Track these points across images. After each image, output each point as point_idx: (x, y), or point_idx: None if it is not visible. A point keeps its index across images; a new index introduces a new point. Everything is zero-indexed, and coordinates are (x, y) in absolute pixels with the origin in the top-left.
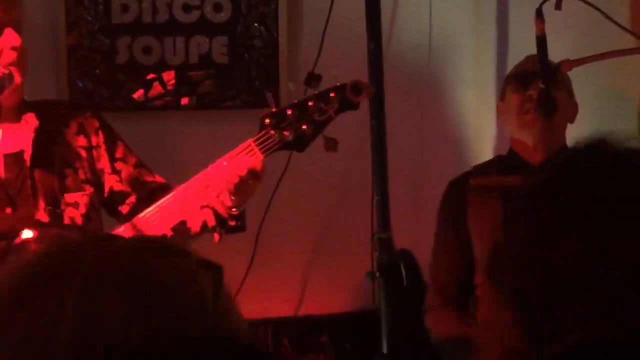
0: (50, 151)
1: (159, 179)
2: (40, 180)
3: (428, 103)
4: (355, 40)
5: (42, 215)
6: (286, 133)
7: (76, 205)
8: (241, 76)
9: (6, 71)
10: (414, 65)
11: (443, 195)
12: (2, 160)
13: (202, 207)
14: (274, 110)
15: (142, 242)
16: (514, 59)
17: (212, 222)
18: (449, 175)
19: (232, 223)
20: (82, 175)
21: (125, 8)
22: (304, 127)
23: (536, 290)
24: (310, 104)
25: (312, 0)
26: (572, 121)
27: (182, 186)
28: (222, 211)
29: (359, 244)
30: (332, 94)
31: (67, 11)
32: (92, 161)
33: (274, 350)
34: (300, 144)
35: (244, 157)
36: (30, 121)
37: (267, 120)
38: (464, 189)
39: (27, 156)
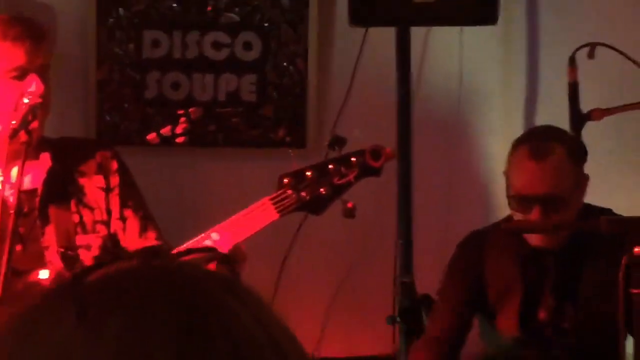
0: (66, 191)
1: (153, 240)
2: (55, 220)
3: (456, 149)
4: (385, 82)
5: (54, 256)
6: (303, 194)
7: (88, 247)
8: (269, 114)
9: (40, 100)
10: (443, 111)
11: (456, 251)
12: (16, 198)
13: None
14: (293, 170)
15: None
16: (542, 109)
17: None
18: (474, 223)
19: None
20: (97, 216)
21: (156, 43)
22: (322, 190)
23: None
24: (330, 167)
25: (343, 40)
26: (582, 200)
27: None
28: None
29: (381, 287)
30: (353, 159)
31: (99, 45)
32: (107, 202)
33: None
34: (316, 206)
35: (242, 226)
36: (45, 161)
37: (286, 180)
38: (483, 239)
39: (39, 193)
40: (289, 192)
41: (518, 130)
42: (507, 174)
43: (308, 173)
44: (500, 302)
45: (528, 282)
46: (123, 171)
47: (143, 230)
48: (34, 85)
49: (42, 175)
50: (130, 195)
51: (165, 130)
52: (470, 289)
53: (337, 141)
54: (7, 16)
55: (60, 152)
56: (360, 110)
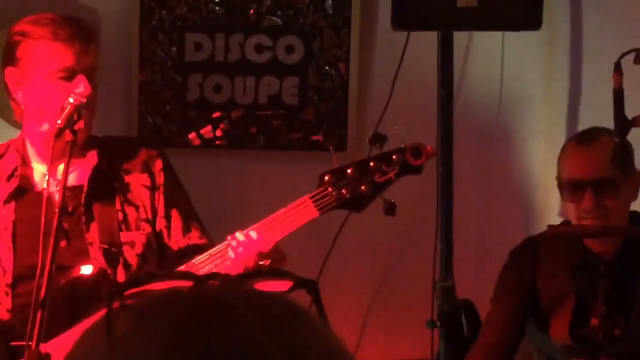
0: (111, 188)
1: (197, 239)
2: (99, 217)
3: (497, 152)
4: (427, 86)
5: (96, 253)
6: (344, 192)
7: (132, 245)
8: (310, 118)
9: (84, 100)
10: (484, 115)
11: (509, 258)
12: (61, 194)
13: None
14: (334, 167)
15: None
16: (585, 113)
17: None
18: (515, 226)
19: None
20: (142, 214)
21: (198, 46)
22: (363, 187)
23: None
24: (371, 164)
25: (385, 44)
26: (635, 198)
27: (203, 255)
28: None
29: (420, 291)
30: (394, 157)
31: (141, 47)
32: (152, 201)
33: None
34: (357, 204)
35: (270, 229)
36: (92, 158)
37: (327, 178)
38: (537, 246)
39: (84, 190)
40: (330, 189)
41: (560, 135)
42: (558, 169)
43: (349, 170)
44: (552, 309)
45: (580, 290)
46: (168, 170)
47: (187, 229)
48: (82, 87)
49: (88, 173)
50: (175, 194)
51: (206, 131)
52: (524, 295)
53: (378, 138)
54: (59, 16)
55: (106, 150)
56: (402, 114)
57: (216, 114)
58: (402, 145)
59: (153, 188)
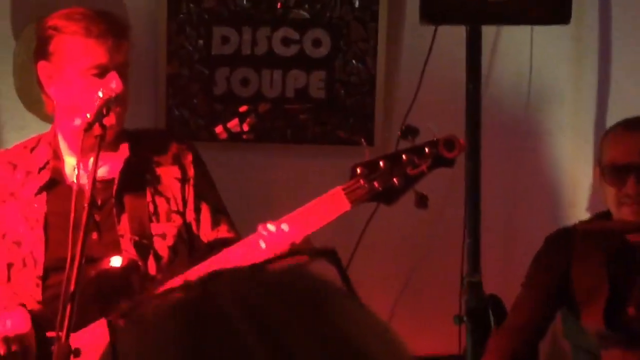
0: (142, 180)
1: (225, 233)
2: (130, 209)
3: (524, 147)
4: (454, 80)
5: (127, 245)
6: (376, 184)
7: (163, 236)
8: (337, 112)
9: (114, 94)
10: (512, 109)
11: (544, 244)
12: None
13: None
14: (366, 160)
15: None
16: (614, 108)
17: None
18: (543, 222)
19: None
20: (173, 206)
21: (225, 40)
22: (395, 180)
23: None
24: (404, 157)
25: (412, 38)
26: None
27: (233, 246)
28: None
29: (448, 286)
30: (426, 149)
31: (169, 40)
32: (183, 193)
33: None
34: (389, 196)
35: (300, 222)
36: (123, 151)
37: (359, 170)
38: (572, 236)
39: (115, 183)
40: (362, 182)
41: (588, 130)
42: (601, 152)
43: (381, 163)
44: (586, 298)
45: (616, 278)
46: (198, 163)
47: (216, 222)
48: (114, 83)
49: (120, 166)
50: (205, 187)
51: (232, 124)
52: (555, 282)
53: (410, 131)
54: (91, 11)
55: (137, 143)
56: (429, 108)
57: (243, 108)
58: (435, 138)
59: (184, 180)
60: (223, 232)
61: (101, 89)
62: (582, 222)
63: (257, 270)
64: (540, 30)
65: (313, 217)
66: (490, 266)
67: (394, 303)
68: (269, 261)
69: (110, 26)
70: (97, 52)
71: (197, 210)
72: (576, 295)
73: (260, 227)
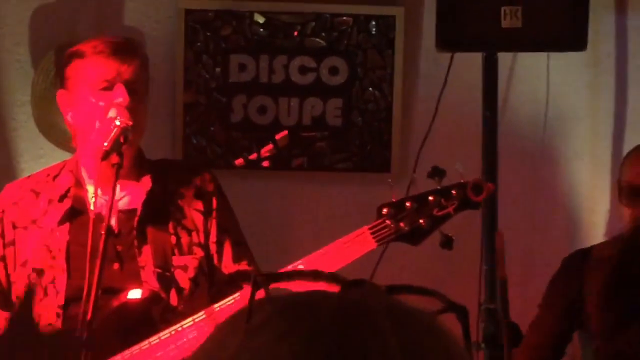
0: (165, 212)
1: (246, 266)
2: (152, 241)
3: (542, 173)
4: (471, 106)
5: (150, 277)
6: (402, 225)
7: (185, 269)
8: (354, 139)
9: (130, 123)
10: (529, 135)
11: (560, 266)
12: (115, 217)
13: None
14: (393, 200)
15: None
16: (631, 134)
17: None
18: (560, 248)
19: None
20: (195, 239)
21: (242, 67)
22: (422, 221)
23: None
24: (430, 198)
25: (429, 66)
26: None
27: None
28: None
29: None
30: (453, 192)
31: (186, 69)
32: (206, 225)
33: None
34: (415, 237)
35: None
36: (146, 183)
37: (385, 210)
38: (588, 258)
39: (137, 213)
40: (388, 222)
41: (605, 156)
42: (621, 172)
43: (407, 204)
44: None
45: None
46: (220, 194)
47: (237, 255)
48: (120, 98)
49: (142, 197)
50: (227, 219)
51: (253, 157)
52: (571, 302)
53: (437, 172)
54: (106, 35)
55: (160, 174)
56: (446, 135)
57: (261, 136)
58: (462, 181)
59: (206, 213)
60: (244, 265)
61: (118, 118)
62: (598, 245)
63: (395, 291)
64: (556, 57)
65: (338, 255)
66: (508, 292)
67: None
68: (399, 288)
69: (120, 44)
70: (104, 66)
71: (220, 244)
72: (590, 317)
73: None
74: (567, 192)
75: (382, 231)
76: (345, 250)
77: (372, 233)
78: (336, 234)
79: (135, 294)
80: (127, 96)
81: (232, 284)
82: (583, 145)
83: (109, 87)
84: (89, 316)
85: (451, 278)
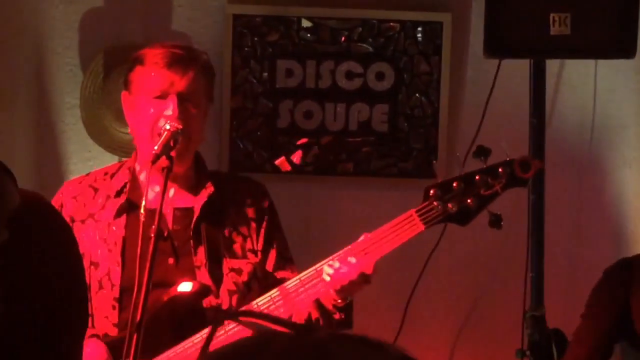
0: (222, 216)
1: (288, 274)
2: (207, 242)
3: (588, 181)
4: (518, 114)
5: (203, 273)
6: (450, 205)
7: (239, 272)
8: (400, 145)
9: (180, 127)
10: (576, 143)
11: (603, 276)
12: (171, 213)
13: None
14: (439, 181)
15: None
16: None
17: (315, 314)
18: (606, 256)
19: (337, 316)
20: (249, 245)
21: (289, 73)
22: (469, 200)
23: None
24: (477, 177)
25: (476, 72)
26: None
27: (297, 283)
28: (326, 303)
29: (510, 320)
30: (500, 169)
31: (234, 74)
32: (259, 233)
33: None
34: (463, 217)
35: (372, 249)
36: (208, 187)
37: (432, 191)
38: (631, 268)
39: (196, 214)
40: (435, 203)
41: None
42: None
43: (454, 184)
44: None
45: None
46: (272, 210)
47: (278, 267)
48: (170, 108)
49: (203, 199)
50: (276, 234)
51: (295, 156)
52: (615, 314)
53: (483, 151)
54: (170, 43)
55: (220, 182)
56: (493, 141)
57: (303, 140)
58: (508, 159)
59: (259, 223)
60: (287, 274)
61: (168, 122)
62: None
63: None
64: (604, 64)
65: (386, 240)
66: (554, 300)
67: (456, 336)
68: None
69: (177, 54)
70: (159, 76)
71: (265, 252)
72: (636, 326)
73: (325, 267)
74: (614, 200)
75: (430, 213)
76: (393, 234)
77: (420, 215)
78: None
79: (185, 287)
80: (177, 109)
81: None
82: (631, 153)
83: (162, 96)
84: (138, 317)
85: (496, 284)
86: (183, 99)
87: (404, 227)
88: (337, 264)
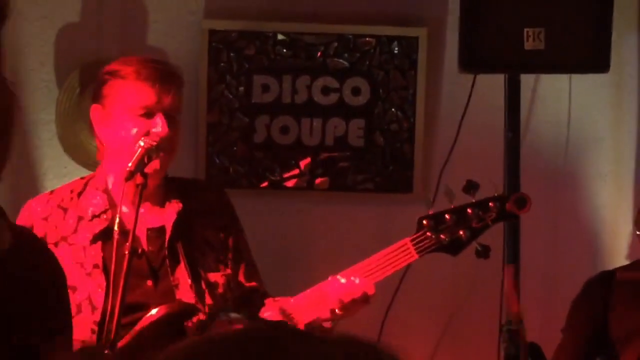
0: (192, 230)
1: (256, 284)
2: (183, 259)
3: (564, 194)
4: (493, 127)
5: (186, 291)
6: (443, 236)
7: (215, 285)
8: (376, 160)
9: (154, 143)
10: (551, 156)
11: (583, 288)
12: (145, 234)
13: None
14: (431, 213)
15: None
16: None
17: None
18: (582, 270)
19: None
20: (220, 256)
21: (265, 88)
22: (461, 232)
23: None
24: (469, 211)
25: (451, 87)
26: None
27: (299, 296)
28: (315, 323)
29: (486, 334)
30: (491, 204)
31: (210, 89)
32: (226, 243)
33: None
34: (454, 248)
35: (366, 276)
36: (176, 203)
37: (425, 222)
38: (611, 281)
39: (168, 234)
40: (429, 234)
41: (628, 178)
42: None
43: (447, 216)
44: (623, 343)
45: None
46: (235, 217)
47: (249, 273)
48: (159, 126)
49: (172, 216)
50: (241, 240)
51: (276, 179)
52: (595, 326)
53: (472, 186)
54: (145, 57)
55: (186, 194)
56: (468, 155)
57: (283, 156)
58: (496, 194)
59: (227, 232)
60: (255, 282)
61: (142, 138)
62: (621, 268)
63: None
64: (578, 78)
65: (382, 266)
66: (530, 314)
67: (434, 350)
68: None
69: (160, 70)
70: (145, 93)
71: (236, 261)
72: (613, 338)
73: (330, 278)
74: (590, 213)
75: (423, 242)
76: (388, 262)
77: (414, 245)
78: (358, 254)
79: (153, 312)
80: (167, 127)
81: (246, 300)
82: (605, 167)
83: (147, 115)
84: (112, 335)
85: (473, 299)
86: (168, 116)
87: (398, 255)
88: (344, 280)
